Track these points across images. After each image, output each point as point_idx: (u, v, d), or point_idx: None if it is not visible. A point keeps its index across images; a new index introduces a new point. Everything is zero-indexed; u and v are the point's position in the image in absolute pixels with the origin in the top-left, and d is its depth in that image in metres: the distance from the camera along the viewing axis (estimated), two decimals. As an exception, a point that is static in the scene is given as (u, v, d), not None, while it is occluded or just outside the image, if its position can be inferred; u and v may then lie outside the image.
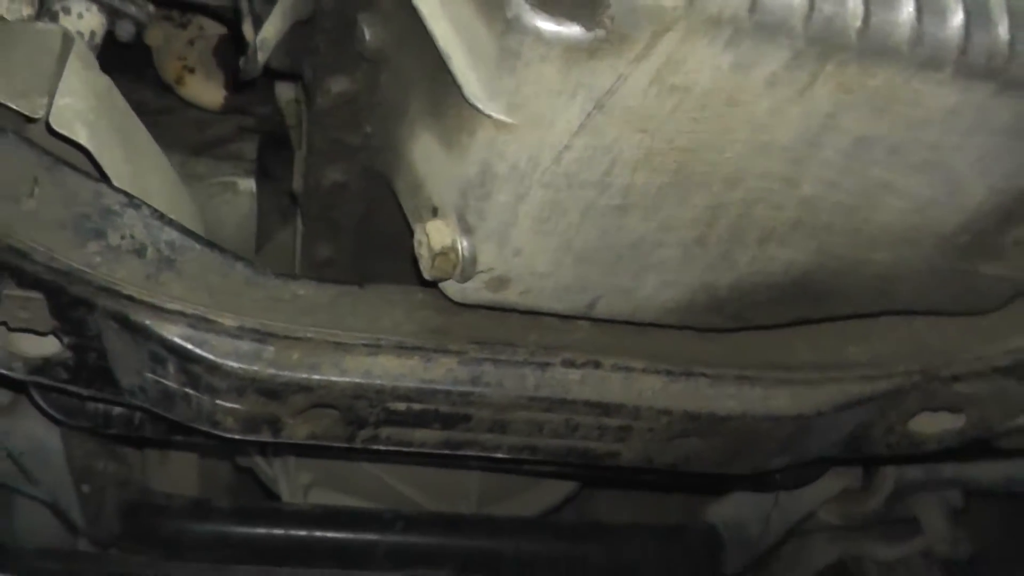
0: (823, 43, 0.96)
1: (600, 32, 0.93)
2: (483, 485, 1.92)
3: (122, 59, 1.59)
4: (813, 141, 1.05)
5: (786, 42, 0.96)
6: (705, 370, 1.33)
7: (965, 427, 1.52)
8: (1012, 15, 1.02)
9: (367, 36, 1.23)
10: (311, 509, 1.84)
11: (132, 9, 1.54)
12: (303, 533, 1.78)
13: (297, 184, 1.53)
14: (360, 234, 1.48)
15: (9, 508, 1.93)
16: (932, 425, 1.50)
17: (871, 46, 0.97)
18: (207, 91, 1.97)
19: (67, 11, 1.51)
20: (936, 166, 1.10)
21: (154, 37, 1.92)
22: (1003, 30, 1.01)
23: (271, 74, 1.40)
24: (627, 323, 1.31)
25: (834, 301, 1.28)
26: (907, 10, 0.97)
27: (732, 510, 1.97)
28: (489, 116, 1.01)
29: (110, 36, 1.58)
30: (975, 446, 1.81)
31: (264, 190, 1.91)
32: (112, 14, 1.54)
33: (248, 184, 1.95)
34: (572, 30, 0.94)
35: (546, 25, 0.94)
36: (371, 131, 1.32)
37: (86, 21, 1.52)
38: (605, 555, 1.89)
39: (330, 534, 1.79)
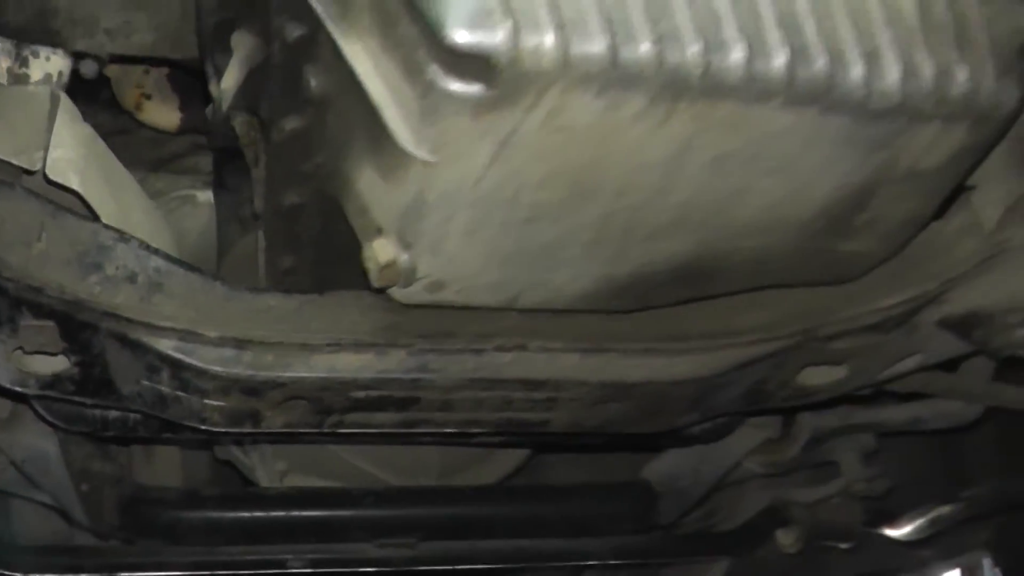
0: (673, 87, 1.21)
1: (496, 91, 1.18)
2: (443, 459, 2.15)
3: (77, 85, 1.75)
4: (678, 159, 1.30)
5: (643, 88, 1.20)
6: (615, 345, 1.58)
7: (848, 377, 1.78)
8: (830, 53, 1.27)
9: (312, 84, 1.45)
10: (289, 492, 2.07)
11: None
12: (283, 514, 2.00)
13: (258, 204, 1.75)
14: (318, 245, 1.70)
15: (7, 512, 2.13)
16: (819, 377, 1.76)
17: (712, 87, 1.22)
18: (164, 115, 2.11)
19: (36, 55, 1.66)
20: (785, 171, 1.35)
21: (113, 69, 2.07)
22: (822, 65, 1.27)
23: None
24: (548, 310, 1.55)
25: (718, 281, 1.53)
26: (739, 55, 1.22)
27: (664, 466, 2.21)
28: (417, 157, 1.25)
29: (75, 74, 1.74)
30: (874, 392, 2.09)
31: (222, 201, 2.06)
32: (76, 55, 1.70)
33: (206, 196, 2.13)
34: (476, 89, 1.18)
35: (455, 86, 1.18)
36: (322, 161, 1.55)
37: (53, 63, 1.67)
38: (554, 513, 2.13)
39: (307, 513, 2.01)
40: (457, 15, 1.14)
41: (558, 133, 1.23)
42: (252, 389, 1.49)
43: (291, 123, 1.50)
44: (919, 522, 2.41)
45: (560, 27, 1.16)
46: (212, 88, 1.53)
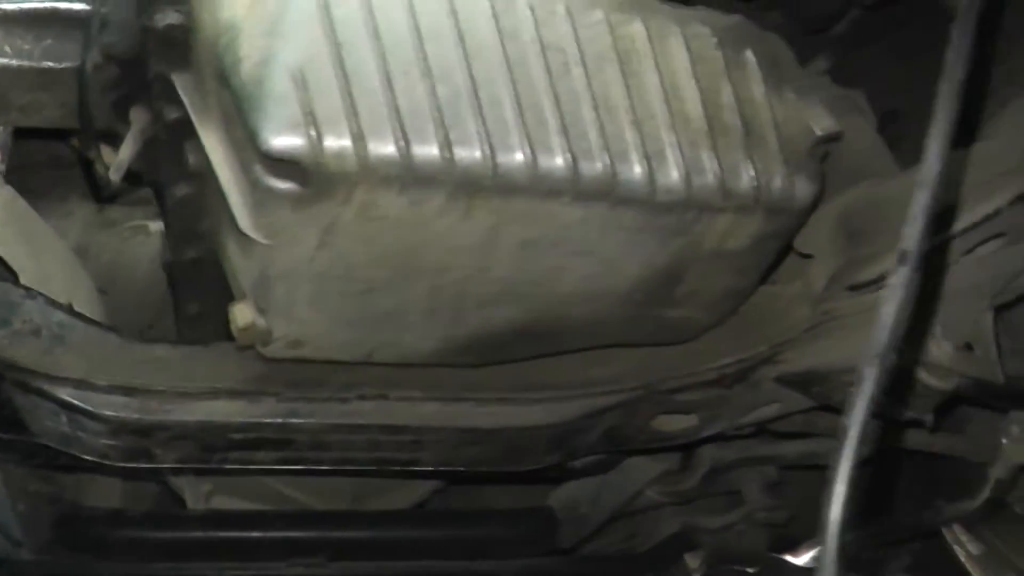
0: (467, 186, 1.38)
1: (310, 188, 1.36)
2: (356, 485, 2.33)
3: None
4: (489, 243, 1.47)
5: (440, 187, 1.38)
6: (471, 395, 1.75)
7: (700, 425, 1.94)
8: (611, 154, 1.44)
9: (190, 160, 1.64)
10: (207, 513, 2.25)
11: None
12: (200, 534, 2.19)
13: (164, 257, 1.94)
14: (220, 292, 1.88)
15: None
16: (673, 424, 1.92)
17: (502, 185, 1.39)
18: (110, 156, 2.29)
19: None
20: (590, 253, 1.52)
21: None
22: (604, 164, 1.43)
23: (132, 180, 1.79)
24: (410, 364, 1.73)
25: (555, 342, 1.70)
26: (523, 157, 1.39)
27: (566, 494, 2.38)
28: (256, 240, 1.44)
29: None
30: (756, 431, 2.24)
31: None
32: None
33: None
34: (292, 187, 1.36)
35: (274, 183, 1.37)
36: (208, 225, 1.73)
37: None
38: (459, 536, 2.30)
39: (223, 534, 2.18)
40: (270, 124, 1.33)
41: (374, 222, 1.40)
42: (140, 431, 1.67)
43: (181, 190, 1.68)
44: (816, 549, 2.53)
45: (359, 134, 1.34)
46: (98, 167, 1.71)
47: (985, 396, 2.06)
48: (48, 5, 1.67)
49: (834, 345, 1.80)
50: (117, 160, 1.69)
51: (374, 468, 1.84)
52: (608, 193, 1.42)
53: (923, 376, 1.81)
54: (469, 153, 1.37)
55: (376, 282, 1.49)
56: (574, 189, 1.41)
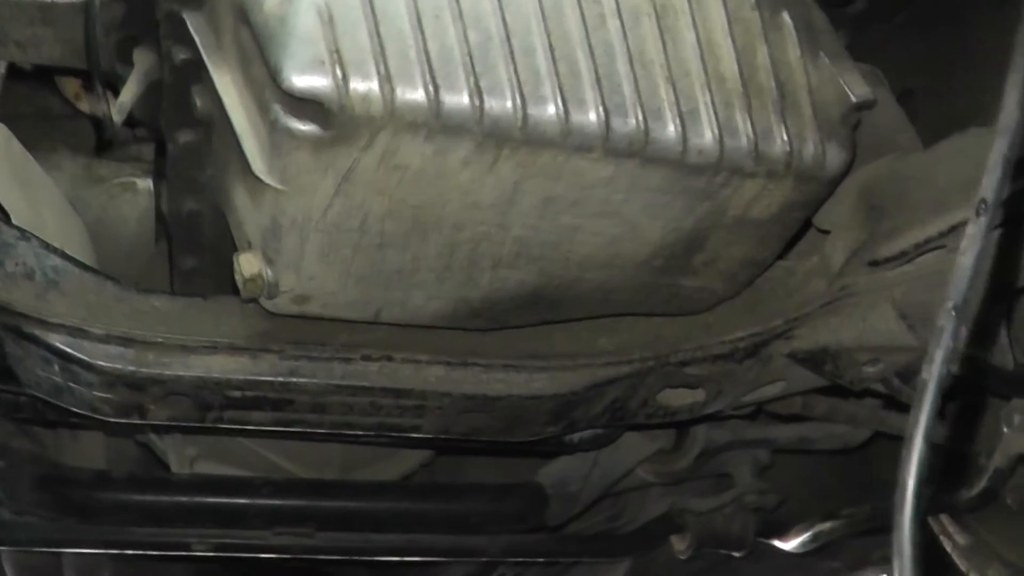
0: (495, 136, 1.33)
1: (332, 131, 1.30)
2: (345, 455, 2.28)
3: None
4: (510, 200, 1.42)
5: (468, 136, 1.33)
6: (478, 360, 1.70)
7: (707, 400, 1.90)
8: (645, 111, 1.39)
9: (198, 104, 1.58)
10: (192, 478, 2.20)
11: None
12: (186, 499, 2.13)
13: (163, 208, 1.88)
14: (216, 249, 1.83)
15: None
16: (678, 399, 1.88)
17: (531, 137, 1.34)
18: (102, 106, 2.24)
19: None
20: (613, 214, 1.47)
21: (55, 59, 2.18)
22: (637, 120, 1.38)
23: (132, 124, 1.73)
24: (416, 325, 1.68)
25: (566, 308, 1.65)
26: (555, 109, 1.34)
27: (557, 470, 2.33)
28: (270, 185, 1.38)
29: (13, 66, 1.84)
30: (753, 412, 2.21)
31: (161, 190, 2.14)
32: None
33: (146, 184, 2.23)
34: (313, 129, 1.31)
35: (294, 125, 1.31)
36: (212, 174, 1.68)
37: None
38: (447, 510, 2.25)
39: (209, 499, 2.12)
40: (293, 62, 1.27)
41: (395, 172, 1.35)
42: (135, 384, 1.61)
43: (184, 136, 1.63)
44: (804, 536, 2.52)
45: (387, 76, 1.29)
46: (103, 102, 1.65)
47: (993, 382, 2.04)
48: (53, -64, 1.60)
49: (849, 322, 1.77)
50: (119, 102, 1.63)
51: (372, 433, 1.78)
52: (639, 151, 1.38)
53: None
54: (499, 103, 1.32)
55: (391, 236, 1.44)
56: (605, 145, 1.36)
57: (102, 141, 2.00)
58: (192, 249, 1.82)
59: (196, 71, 1.55)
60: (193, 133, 1.63)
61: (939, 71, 2.17)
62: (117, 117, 1.62)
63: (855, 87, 1.50)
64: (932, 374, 0.99)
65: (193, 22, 1.46)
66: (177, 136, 1.65)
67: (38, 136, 2.17)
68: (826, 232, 1.78)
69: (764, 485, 2.55)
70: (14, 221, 1.68)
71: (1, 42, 1.63)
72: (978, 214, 1.03)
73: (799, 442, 2.45)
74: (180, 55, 1.52)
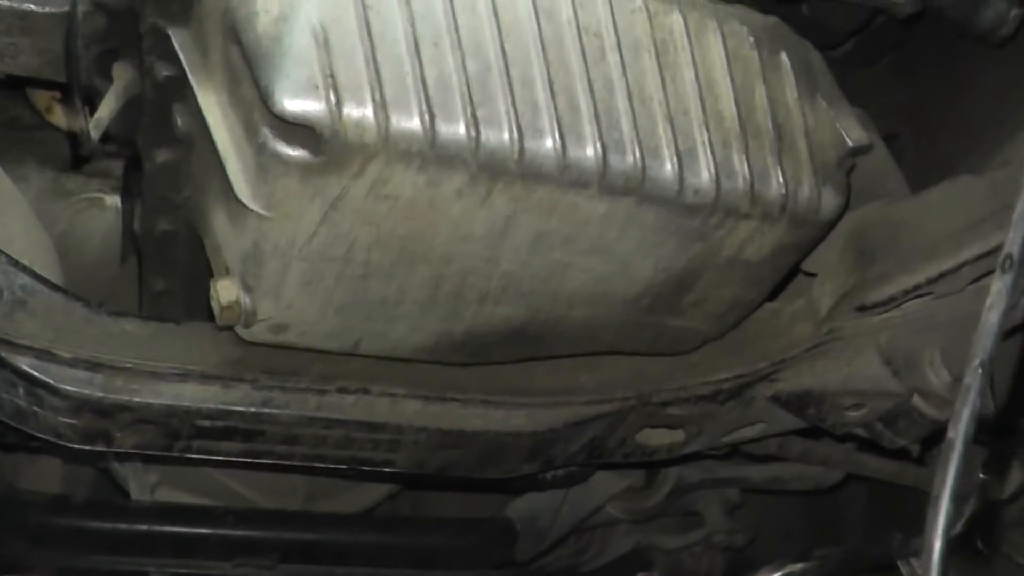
0: (490, 169, 1.29)
1: (322, 158, 1.26)
2: (309, 485, 2.22)
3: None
4: (501, 234, 1.38)
5: (462, 168, 1.29)
6: (456, 395, 1.66)
7: (686, 440, 1.86)
8: (643, 146, 1.36)
9: (179, 123, 1.53)
10: (153, 505, 2.13)
11: None
12: (145, 527, 2.06)
13: (136, 227, 1.82)
14: (189, 271, 1.78)
15: None
16: (657, 439, 1.85)
17: (527, 171, 1.31)
18: (73, 120, 2.19)
19: None
20: (604, 252, 1.44)
21: (26, 70, 2.12)
22: (635, 158, 1.35)
23: (107, 140, 1.68)
24: (395, 358, 1.63)
25: (551, 344, 1.61)
26: (552, 143, 1.31)
27: (526, 505, 2.29)
28: (253, 210, 1.33)
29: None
30: (727, 453, 2.18)
31: (128, 207, 2.08)
32: None
33: (114, 200, 2.18)
34: (303, 155, 1.26)
35: (284, 150, 1.27)
36: (189, 195, 1.62)
37: None
38: (411, 544, 2.21)
39: (169, 528, 2.07)
40: (285, 84, 1.23)
41: (384, 201, 1.31)
42: (102, 410, 1.55)
43: (162, 155, 1.58)
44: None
45: (382, 103, 1.24)
46: (80, 117, 1.60)
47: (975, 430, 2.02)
48: (36, -57, 1.55)
49: (834, 366, 1.75)
50: (96, 117, 1.58)
51: (344, 467, 1.73)
52: (636, 189, 1.35)
53: (919, 404, 1.77)
54: (496, 135, 1.28)
55: (376, 267, 1.39)
56: (601, 182, 1.33)
57: (78, 157, 1.94)
58: (163, 271, 1.77)
59: (178, 88, 1.50)
60: (171, 152, 1.59)
61: (924, 116, 2.17)
62: (94, 133, 1.57)
63: (851, 131, 1.48)
64: (959, 432, 0.96)
65: (178, 38, 1.41)
66: (155, 155, 1.61)
67: (6, 146, 2.12)
68: (813, 275, 1.75)
69: (734, 524, 2.53)
70: (-22, 237, 1.62)
71: (-25, 51, 1.57)
72: (1003, 270, 1.00)
73: (771, 482, 2.44)
74: (163, 71, 1.47)
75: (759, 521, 2.67)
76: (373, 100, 1.24)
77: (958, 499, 2.15)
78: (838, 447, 2.25)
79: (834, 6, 1.65)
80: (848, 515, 2.86)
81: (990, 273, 1.66)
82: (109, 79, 1.64)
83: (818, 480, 2.37)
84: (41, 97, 2.12)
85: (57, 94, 2.10)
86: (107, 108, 1.59)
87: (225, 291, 1.44)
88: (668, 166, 1.36)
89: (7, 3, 1.54)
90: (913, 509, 2.70)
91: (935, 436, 1.95)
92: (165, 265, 1.76)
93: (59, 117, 2.16)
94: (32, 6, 1.54)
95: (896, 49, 2.16)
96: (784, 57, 1.47)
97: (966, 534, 2.24)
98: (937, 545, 0.95)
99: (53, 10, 1.55)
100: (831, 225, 1.51)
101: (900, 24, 2.02)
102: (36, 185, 2.26)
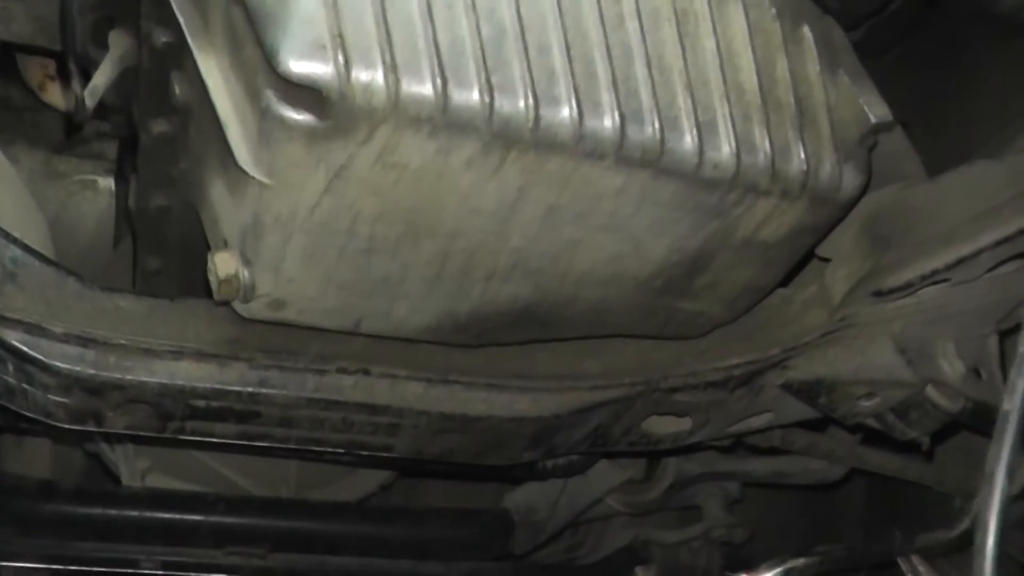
0: (504, 137, 1.24)
1: (328, 122, 1.20)
2: (301, 472, 2.17)
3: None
4: (512, 207, 1.33)
5: (474, 136, 1.24)
6: (460, 378, 1.61)
7: (693, 429, 1.81)
8: (662, 117, 1.31)
9: (177, 92, 1.48)
10: (143, 492, 2.08)
11: None
12: (135, 514, 2.01)
13: (130, 203, 1.77)
14: (184, 249, 1.73)
15: None
16: (663, 427, 1.80)
17: (542, 140, 1.25)
18: (67, 98, 2.14)
19: None
20: (618, 229, 1.38)
21: (18, 45, 2.08)
22: (654, 129, 1.30)
23: (103, 111, 1.63)
24: (397, 338, 1.58)
25: (558, 326, 1.56)
26: (569, 112, 1.26)
27: (524, 497, 2.24)
28: (255, 178, 1.27)
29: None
30: (732, 444, 2.13)
31: (121, 189, 2.07)
32: None
33: (107, 183, 2.15)
34: (308, 119, 1.21)
35: (288, 114, 1.21)
36: (185, 168, 1.57)
37: None
38: (406, 535, 2.16)
39: (159, 515, 2.01)
40: (291, 45, 1.17)
41: (392, 170, 1.25)
42: (93, 388, 1.50)
43: (158, 127, 1.54)
44: (774, 571, 2.44)
45: (392, 66, 1.19)
46: (74, 85, 1.55)
47: (984, 422, 1.98)
48: (30, -94, 1.50)
49: (848, 354, 1.70)
50: (91, 85, 1.53)
51: (341, 451, 1.68)
52: (653, 162, 1.30)
53: (932, 395, 1.72)
54: (511, 101, 1.23)
55: (381, 240, 1.34)
56: (618, 153, 1.27)
57: (72, 126, 1.89)
58: (158, 249, 1.72)
59: (176, 56, 1.45)
60: (168, 123, 1.54)
61: (933, 106, 2.12)
62: (89, 101, 1.52)
63: (874, 107, 1.43)
64: (1015, 404, 0.91)
65: (177, 2, 1.35)
66: (151, 125, 1.56)
67: (-4, 128, 2.07)
68: (826, 260, 1.70)
69: (733, 519, 2.49)
70: (-30, 209, 1.56)
71: (-34, 16, 1.52)
72: None
73: (774, 476, 2.40)
74: (161, 38, 1.42)
75: (757, 518, 2.62)
76: (383, 62, 1.19)
77: (967, 497, 2.12)
78: (843, 441, 2.21)
79: (859, -12, 1.60)
80: (847, 512, 2.82)
81: (1008, 261, 1.63)
82: (105, 47, 1.60)
83: (821, 475, 2.33)
84: (34, 74, 2.08)
85: (51, 70, 2.05)
86: (103, 76, 1.55)
87: (223, 264, 1.39)
88: (687, 138, 1.31)
89: (0, -33, 1.48)
90: (912, 506, 2.67)
91: (944, 430, 1.91)
92: (160, 243, 1.71)
93: (53, 95, 2.12)
94: (25, -30, 1.49)
95: (906, 38, 2.12)
96: (806, 30, 1.42)
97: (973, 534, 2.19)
98: (992, 522, 0.90)
99: None
100: (851, 204, 1.46)
101: (913, 10, 1.98)
102: (27, 166, 2.22)
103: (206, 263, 1.44)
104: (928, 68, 2.20)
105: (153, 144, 1.55)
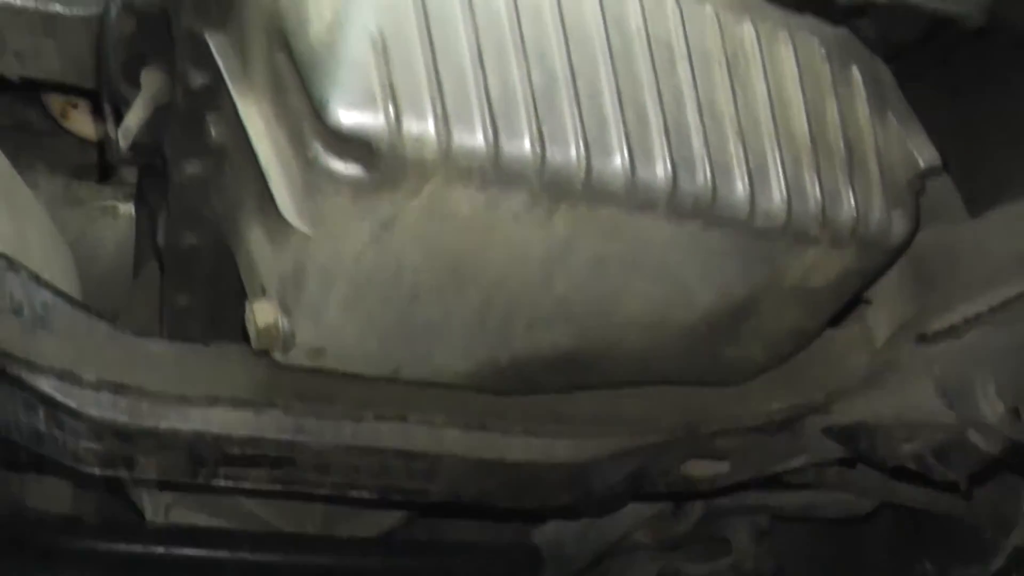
0: (554, 188, 1.21)
1: (377, 175, 1.18)
2: (328, 508, 2.15)
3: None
4: (559, 257, 1.30)
5: (525, 187, 1.21)
6: (497, 423, 1.58)
7: (732, 472, 1.79)
8: (713, 165, 1.28)
9: (212, 133, 1.45)
10: (168, 528, 2.05)
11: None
12: (161, 550, 1.98)
13: (160, 240, 1.74)
14: (213, 289, 1.69)
15: None
16: (702, 469, 1.77)
17: (593, 192, 1.23)
18: (89, 126, 2.10)
19: None
20: (665, 277, 1.36)
21: (41, 74, 2.05)
22: (706, 178, 1.27)
23: (135, 150, 1.60)
24: (435, 383, 1.55)
25: (599, 372, 1.53)
26: (621, 161, 1.23)
27: (553, 530, 2.22)
28: (298, 228, 1.25)
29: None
30: (766, 481, 2.10)
31: (142, 216, 2.03)
32: None
33: (128, 209, 2.11)
34: (357, 171, 1.18)
35: (336, 166, 1.18)
36: (219, 209, 1.54)
37: None
38: (434, 570, 2.13)
39: (185, 551, 1.99)
40: (341, 96, 1.14)
41: (439, 221, 1.23)
42: (126, 435, 1.47)
43: (192, 167, 1.50)
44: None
45: (444, 117, 1.16)
46: (109, 128, 1.52)
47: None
48: (65, -58, 1.47)
49: (889, 397, 1.68)
50: (124, 126, 1.50)
51: (376, 496, 1.65)
52: (704, 211, 1.27)
53: (973, 436, 1.69)
54: (562, 151, 1.21)
55: (425, 289, 1.31)
56: (669, 203, 1.25)
57: (105, 168, 1.86)
58: (187, 286, 1.68)
59: (212, 97, 1.42)
60: (202, 164, 1.50)
61: (972, 139, 2.09)
62: (123, 142, 1.49)
63: (923, 151, 1.41)
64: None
65: (216, 43, 1.33)
66: (184, 166, 1.52)
67: (15, 149, 2.03)
68: (866, 301, 1.68)
69: (762, 551, 2.46)
70: (0, 247, 1.53)
71: (-2, 51, 1.49)
72: None
73: (804, 509, 2.37)
74: (198, 79, 1.39)
75: (783, 549, 2.59)
76: (434, 113, 1.16)
77: (1000, 530, 2.10)
78: (874, 475, 2.18)
79: (897, 19, 1.57)
80: (874, 541, 2.78)
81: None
82: (136, 85, 1.56)
83: (851, 507, 2.30)
84: (56, 102, 2.05)
85: (74, 99, 2.03)
86: (136, 116, 1.51)
87: (262, 313, 1.36)
88: (739, 187, 1.29)
89: (32, 4, 1.46)
90: (938, 538, 2.64)
91: (984, 470, 1.88)
92: (189, 280, 1.68)
93: (75, 123, 2.09)
94: (59, 7, 1.47)
95: (944, 64, 2.08)
96: (855, 71, 1.39)
97: (1008, 571, 2.17)
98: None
99: (80, 12, 1.48)
100: (900, 251, 1.43)
101: (953, 40, 1.95)
102: (47, 192, 2.18)
103: (236, 299, 1.42)
104: (968, 95, 2.16)
105: (185, 184, 1.52)
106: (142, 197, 2.05)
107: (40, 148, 2.07)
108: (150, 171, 1.91)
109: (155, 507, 2.11)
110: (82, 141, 2.14)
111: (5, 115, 2.12)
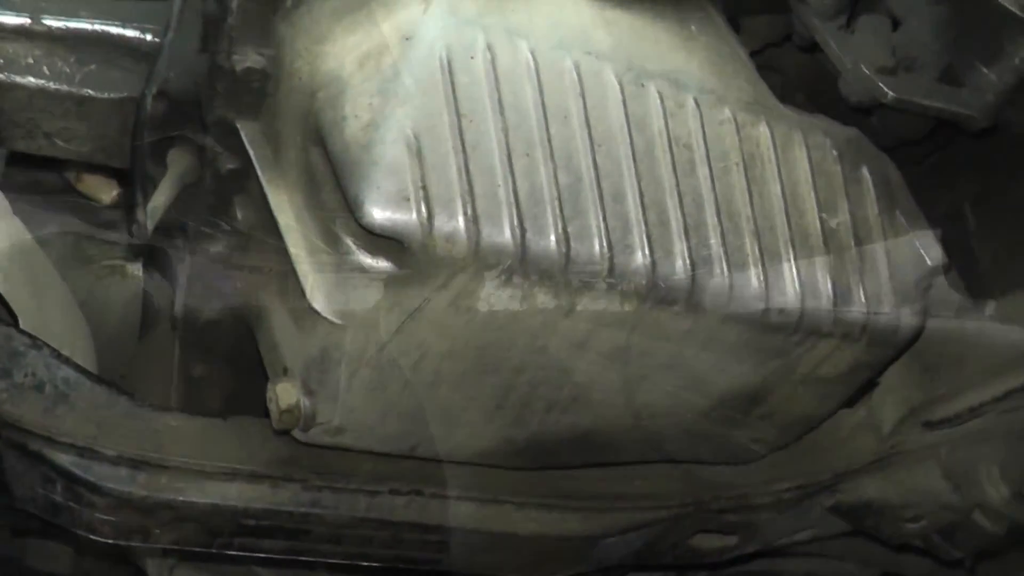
0: (578, 285, 1.25)
1: (408, 271, 1.21)
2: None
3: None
4: (579, 347, 1.33)
5: (549, 282, 1.24)
6: (511, 498, 1.61)
7: (739, 544, 1.81)
8: (731, 263, 1.32)
9: (239, 216, 1.49)
10: (174, 592, 2.07)
11: None
12: None
13: (177, 311, 1.77)
14: (230, 362, 1.73)
15: None
16: (710, 542, 1.80)
17: (615, 288, 1.26)
18: (101, 189, 2.11)
19: None
20: (681, 367, 1.39)
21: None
22: (723, 276, 1.31)
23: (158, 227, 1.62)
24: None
25: (614, 452, 1.57)
26: (642, 259, 1.27)
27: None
28: (326, 317, 1.28)
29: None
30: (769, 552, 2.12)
31: (150, 277, 2.05)
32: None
33: (136, 268, 2.15)
34: (387, 267, 1.22)
35: (368, 261, 1.22)
36: (241, 288, 1.57)
37: None
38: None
39: None
40: (377, 196, 1.18)
41: (465, 312, 1.26)
42: (143, 508, 1.49)
43: (215, 247, 1.53)
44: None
45: (474, 217, 1.20)
46: (139, 213, 1.55)
47: None
48: (97, 27, 1.51)
49: (896, 479, 1.72)
50: (151, 207, 1.53)
51: (387, 565, 1.68)
52: (721, 307, 1.30)
53: (978, 518, 1.73)
54: (587, 250, 1.24)
55: (446, 375, 1.35)
56: (688, 300, 1.28)
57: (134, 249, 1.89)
58: (203, 357, 1.72)
59: (240, 181, 1.46)
60: (225, 244, 1.54)
61: (971, 219, 2.12)
62: (150, 223, 1.52)
63: (930, 250, 1.45)
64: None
65: (247, 132, 1.37)
66: (207, 245, 1.56)
67: (25, 210, 2.06)
68: (874, 384, 1.72)
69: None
70: (22, 324, 1.56)
71: (30, 134, 1.52)
72: None
73: (807, 576, 2.38)
74: (228, 165, 1.43)
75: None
76: (464, 213, 1.20)
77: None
78: (878, 546, 2.20)
79: (904, 118, 1.61)
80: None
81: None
82: (161, 164, 1.60)
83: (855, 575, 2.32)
84: (71, 166, 2.07)
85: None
86: (162, 196, 1.55)
87: (285, 395, 1.39)
88: (755, 283, 1.32)
89: (65, 88, 1.49)
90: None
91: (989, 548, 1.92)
92: (205, 351, 1.71)
93: (86, 186, 2.10)
94: (91, 91, 1.50)
95: (947, 146, 2.12)
96: (865, 172, 1.44)
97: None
98: None
99: (112, 96, 1.51)
100: (908, 345, 1.47)
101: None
102: (57, 250, 2.20)
103: (252, 371, 1.45)
104: (969, 178, 2.19)
105: (208, 262, 1.55)
106: (152, 259, 2.08)
107: (51, 207, 2.09)
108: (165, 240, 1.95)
109: (159, 568, 2.11)
110: (92, 204, 2.16)
111: (19, 175, 2.15)
